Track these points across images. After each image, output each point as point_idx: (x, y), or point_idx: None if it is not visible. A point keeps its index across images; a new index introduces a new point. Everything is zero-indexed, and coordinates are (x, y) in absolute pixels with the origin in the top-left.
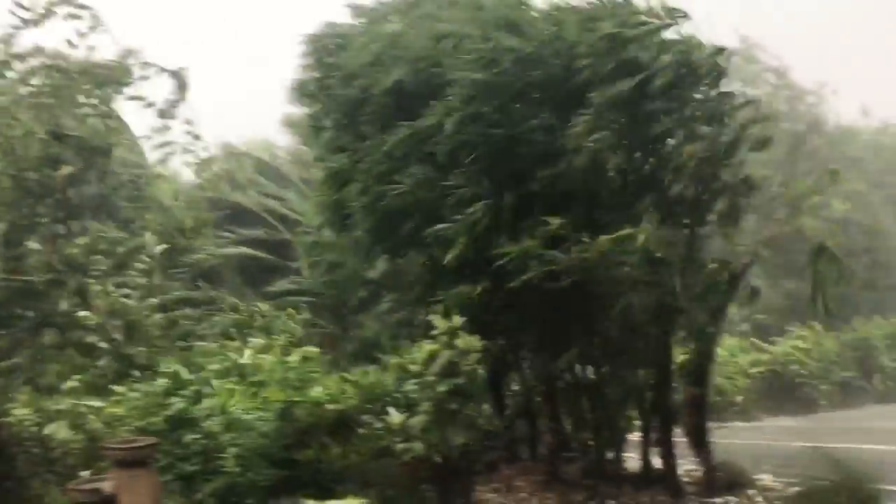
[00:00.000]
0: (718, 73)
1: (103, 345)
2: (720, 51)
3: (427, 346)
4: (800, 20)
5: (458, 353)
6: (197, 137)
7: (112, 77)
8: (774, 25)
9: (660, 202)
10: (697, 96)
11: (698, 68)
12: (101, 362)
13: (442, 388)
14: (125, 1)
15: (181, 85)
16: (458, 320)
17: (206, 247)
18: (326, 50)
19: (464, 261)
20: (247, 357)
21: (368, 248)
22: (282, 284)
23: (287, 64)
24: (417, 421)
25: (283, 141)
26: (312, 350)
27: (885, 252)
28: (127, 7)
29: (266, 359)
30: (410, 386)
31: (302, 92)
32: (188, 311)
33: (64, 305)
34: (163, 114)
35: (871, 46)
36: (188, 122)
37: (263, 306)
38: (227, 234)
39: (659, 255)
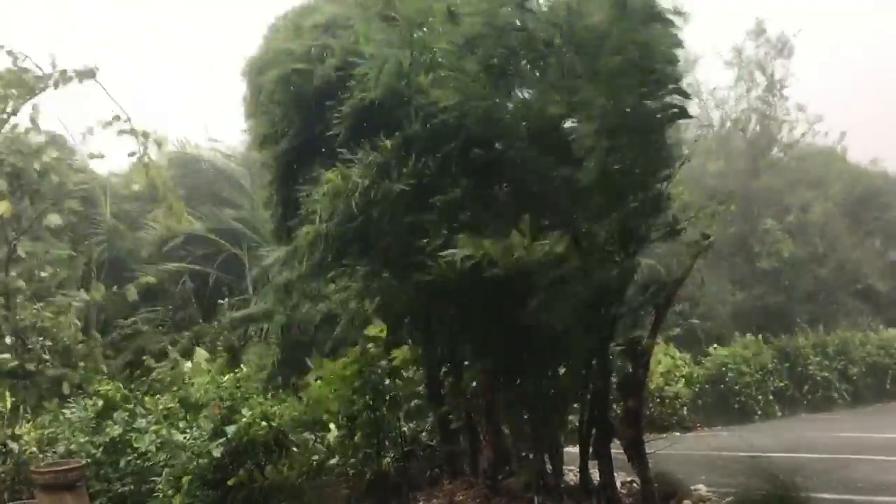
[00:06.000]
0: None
1: (30, 367)
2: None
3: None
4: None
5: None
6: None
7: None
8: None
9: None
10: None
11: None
12: (30, 385)
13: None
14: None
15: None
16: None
17: (155, 265)
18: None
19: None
20: (181, 372)
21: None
22: (238, 307)
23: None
24: (332, 436)
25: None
26: (246, 370)
27: (829, 268)
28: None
29: (200, 379)
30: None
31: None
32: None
33: None
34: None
35: None
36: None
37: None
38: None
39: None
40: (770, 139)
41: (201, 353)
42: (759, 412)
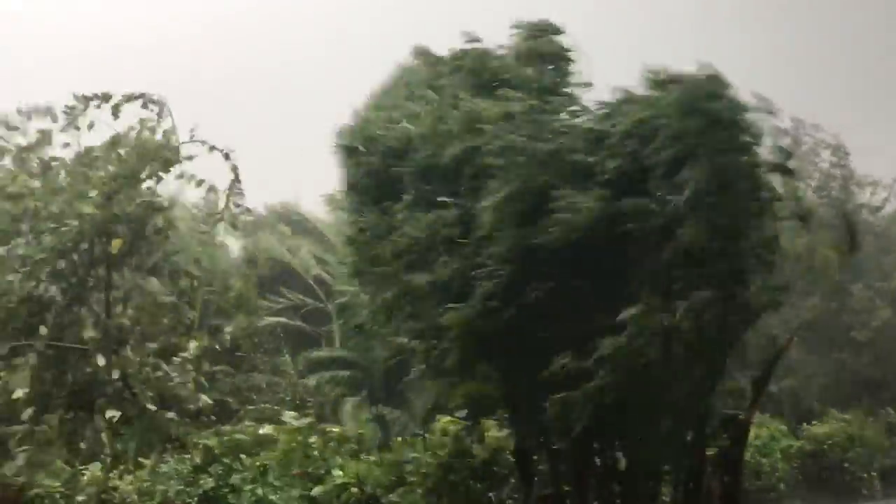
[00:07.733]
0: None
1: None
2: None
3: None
4: None
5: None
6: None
7: (168, 159)
8: None
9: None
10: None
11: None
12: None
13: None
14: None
15: (233, 168)
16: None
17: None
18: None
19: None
20: (275, 432)
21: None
22: (319, 353)
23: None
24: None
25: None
26: (337, 429)
27: None
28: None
29: (295, 436)
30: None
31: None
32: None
33: (101, 374)
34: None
35: None
36: (237, 195)
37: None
38: (272, 296)
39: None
40: (855, 203)
41: (289, 414)
42: (866, 491)
